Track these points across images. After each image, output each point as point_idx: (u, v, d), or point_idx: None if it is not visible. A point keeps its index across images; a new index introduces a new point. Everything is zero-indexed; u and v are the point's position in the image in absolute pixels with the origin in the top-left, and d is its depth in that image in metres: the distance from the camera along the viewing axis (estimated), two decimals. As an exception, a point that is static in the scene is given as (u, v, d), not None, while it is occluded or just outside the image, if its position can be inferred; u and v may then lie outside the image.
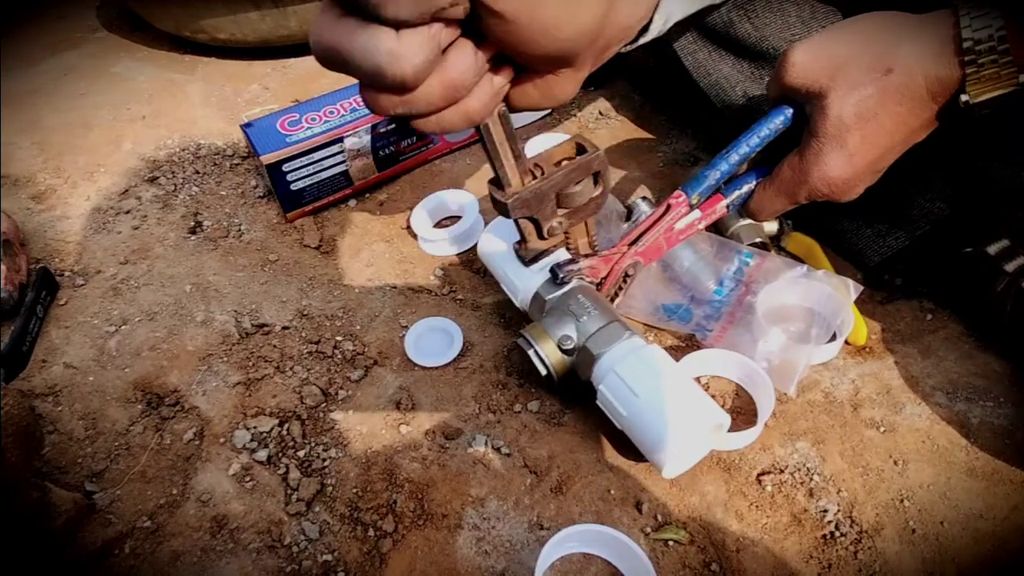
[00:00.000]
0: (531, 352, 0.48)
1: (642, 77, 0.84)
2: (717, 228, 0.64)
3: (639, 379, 0.44)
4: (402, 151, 0.71)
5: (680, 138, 0.77)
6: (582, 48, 0.34)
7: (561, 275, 0.49)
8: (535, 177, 0.44)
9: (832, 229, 0.61)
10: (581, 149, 0.46)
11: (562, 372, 0.49)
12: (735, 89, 0.65)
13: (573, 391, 0.51)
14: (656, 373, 0.45)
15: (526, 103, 0.38)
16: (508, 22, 0.29)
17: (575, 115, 0.81)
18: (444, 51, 0.30)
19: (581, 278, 0.50)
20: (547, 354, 0.48)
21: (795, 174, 0.47)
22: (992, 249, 0.52)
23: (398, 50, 0.28)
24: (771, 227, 0.62)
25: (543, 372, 0.48)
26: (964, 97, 0.40)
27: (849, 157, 0.45)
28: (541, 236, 0.48)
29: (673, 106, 0.80)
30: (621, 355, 0.46)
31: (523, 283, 0.52)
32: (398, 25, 0.27)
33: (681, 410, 0.44)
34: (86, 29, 1.01)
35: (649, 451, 0.45)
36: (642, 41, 0.44)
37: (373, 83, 0.30)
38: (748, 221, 0.61)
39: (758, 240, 0.61)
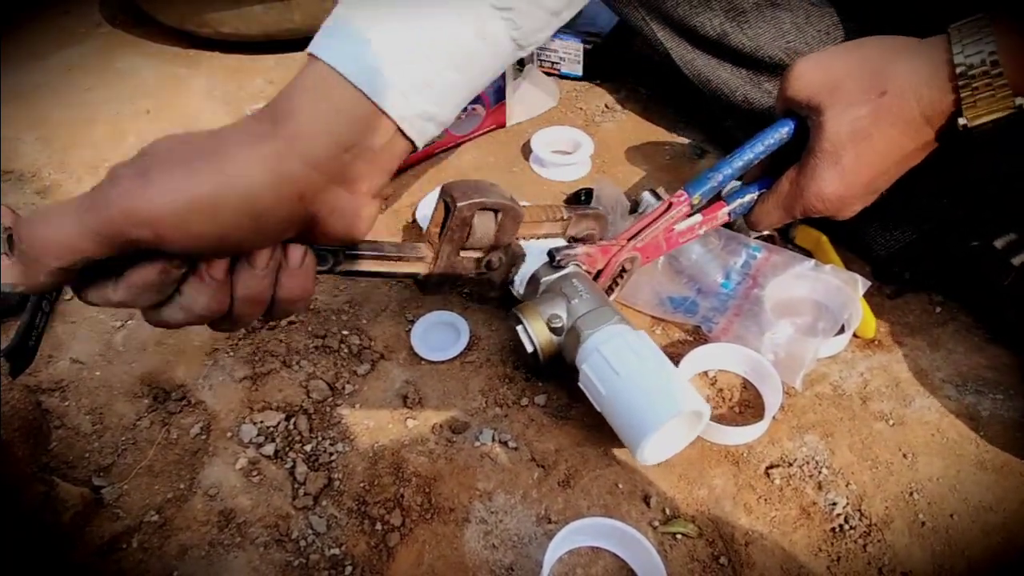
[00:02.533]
0: (520, 328, 0.49)
1: (649, 71, 0.84)
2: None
3: (622, 360, 0.45)
4: (407, 145, 0.70)
5: (687, 131, 0.77)
6: (292, 211, 0.33)
7: (558, 258, 0.50)
8: (434, 253, 0.45)
9: (840, 222, 0.61)
10: (447, 208, 0.44)
11: (549, 351, 0.49)
12: (735, 94, 0.65)
13: (559, 375, 0.51)
14: (640, 356, 0.45)
15: (341, 242, 0.39)
16: (198, 253, 0.32)
17: (581, 109, 0.81)
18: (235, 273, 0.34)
19: (578, 264, 0.51)
20: (535, 332, 0.48)
21: (792, 188, 0.48)
22: (999, 243, 0.52)
23: (185, 303, 0.34)
24: (779, 220, 0.62)
25: (529, 349, 0.49)
26: (962, 120, 0.41)
27: (843, 175, 0.45)
28: (493, 269, 0.48)
29: (680, 99, 0.80)
30: (608, 336, 0.46)
31: (522, 268, 0.53)
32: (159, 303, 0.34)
33: (662, 392, 0.44)
34: (90, 24, 1.00)
35: (626, 432, 0.45)
36: (422, 143, 0.38)
37: (200, 323, 0.35)
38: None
39: (765, 233, 0.60)
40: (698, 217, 0.52)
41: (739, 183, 0.53)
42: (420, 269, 0.45)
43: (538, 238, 0.51)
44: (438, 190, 0.66)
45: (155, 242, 0.30)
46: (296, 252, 0.36)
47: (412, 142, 0.38)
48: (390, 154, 0.37)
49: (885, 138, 0.43)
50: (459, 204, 0.43)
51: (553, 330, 0.48)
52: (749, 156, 0.50)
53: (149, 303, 0.33)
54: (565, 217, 0.51)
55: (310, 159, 0.33)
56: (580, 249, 0.50)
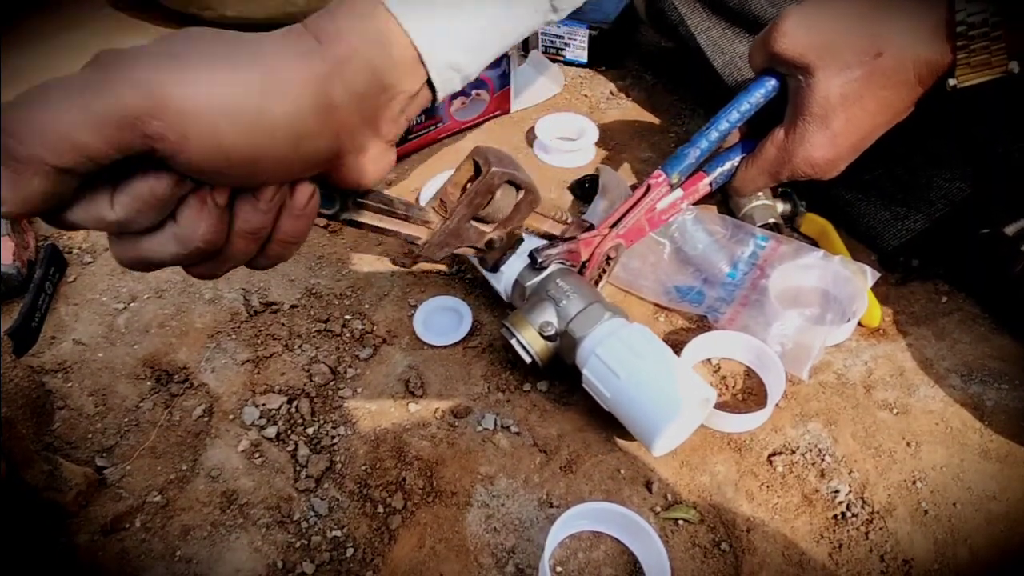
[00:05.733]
0: (514, 341, 0.48)
1: (654, 57, 0.83)
2: (729, 209, 0.63)
3: (620, 361, 0.44)
4: (410, 130, 0.70)
5: (692, 118, 0.77)
6: (323, 147, 0.31)
7: (540, 259, 0.49)
8: (442, 216, 0.43)
9: (848, 212, 0.61)
10: (478, 168, 0.43)
11: (546, 358, 0.48)
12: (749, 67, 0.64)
13: (562, 373, 0.51)
14: (637, 353, 0.45)
15: (349, 187, 0.36)
16: (212, 174, 0.28)
17: (586, 96, 0.81)
18: (232, 205, 0.30)
19: (561, 262, 0.50)
20: (529, 342, 0.48)
21: (779, 153, 0.46)
22: (1010, 230, 0.51)
23: (182, 232, 0.29)
24: (784, 208, 0.62)
25: (528, 360, 0.48)
26: (952, 82, 0.40)
27: (833, 138, 0.44)
28: (490, 249, 0.47)
29: (685, 86, 0.79)
30: (602, 337, 0.46)
31: (504, 272, 0.52)
32: (146, 230, 0.28)
33: (665, 388, 0.43)
34: (93, 7, 1.00)
35: (637, 431, 0.45)
36: (443, 96, 0.37)
37: (189, 262, 0.31)
38: (761, 202, 0.60)
39: (771, 221, 0.60)
40: (679, 192, 0.50)
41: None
42: (423, 234, 0.43)
43: (537, 235, 0.50)
44: (443, 174, 0.67)
45: (173, 147, 0.25)
46: (304, 191, 0.32)
47: (434, 94, 0.36)
48: (416, 103, 0.36)
49: (876, 100, 0.42)
50: (493, 168, 0.41)
51: (547, 337, 0.48)
52: (725, 126, 0.48)
53: (147, 224, 0.28)
54: (568, 221, 0.51)
55: (353, 90, 0.31)
56: (561, 247, 0.49)
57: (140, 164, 0.26)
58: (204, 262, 0.32)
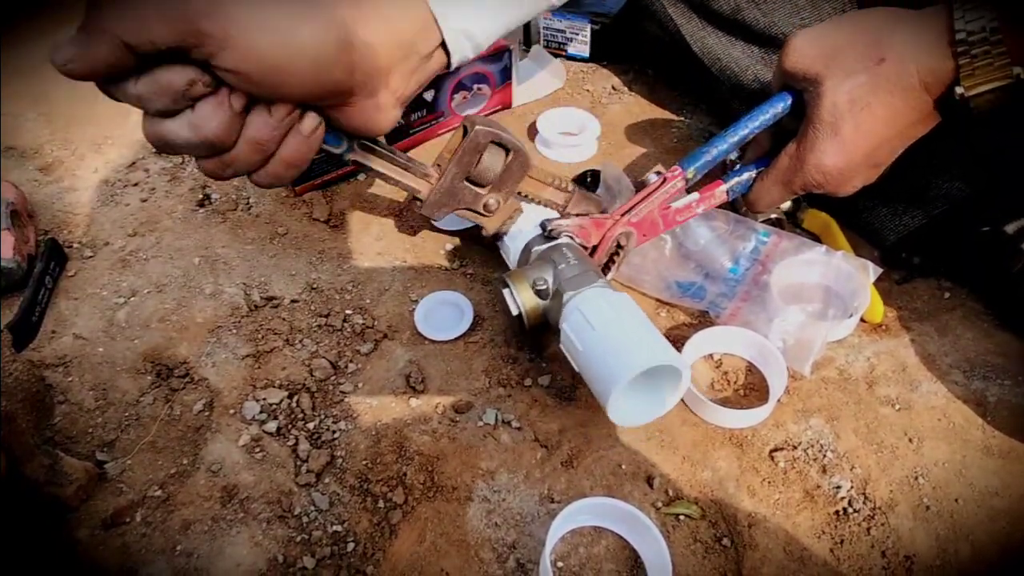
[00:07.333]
0: (506, 292, 0.49)
1: (656, 52, 0.83)
2: (732, 204, 0.63)
3: (599, 313, 0.44)
4: (411, 125, 0.70)
5: (694, 113, 0.76)
6: (338, 78, 0.36)
7: (549, 228, 0.50)
8: (438, 176, 0.47)
9: (848, 207, 0.60)
10: (465, 132, 0.47)
11: (534, 315, 0.48)
12: (746, 73, 0.64)
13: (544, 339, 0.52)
14: (618, 312, 0.44)
15: (356, 131, 0.40)
16: (242, 77, 0.33)
17: (588, 91, 0.80)
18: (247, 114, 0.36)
19: (571, 236, 0.51)
20: (520, 295, 0.48)
21: (791, 162, 0.47)
22: (1010, 228, 0.51)
23: (196, 121, 0.34)
24: (786, 203, 0.61)
25: (514, 312, 0.48)
26: (959, 89, 0.40)
27: (843, 145, 0.44)
28: (488, 214, 0.50)
29: (687, 81, 0.79)
30: (588, 296, 0.46)
31: (516, 239, 0.53)
32: (165, 113, 0.34)
33: (633, 345, 0.42)
34: (92, 1, 0.99)
35: (597, 387, 0.43)
36: (456, 62, 0.42)
37: (196, 152, 0.36)
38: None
39: (773, 216, 0.60)
40: (695, 195, 0.51)
41: (738, 163, 0.53)
42: (423, 187, 0.47)
43: (539, 202, 0.52)
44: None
45: (216, 46, 0.31)
46: (311, 119, 0.38)
47: (448, 59, 0.41)
48: (429, 66, 0.41)
49: (884, 106, 0.43)
50: (477, 127, 0.46)
51: (538, 292, 0.48)
52: (744, 131, 0.49)
53: (161, 107, 0.33)
54: (569, 189, 0.52)
55: (372, 38, 0.36)
56: (573, 221, 0.51)
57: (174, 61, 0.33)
58: (212, 157, 0.36)
